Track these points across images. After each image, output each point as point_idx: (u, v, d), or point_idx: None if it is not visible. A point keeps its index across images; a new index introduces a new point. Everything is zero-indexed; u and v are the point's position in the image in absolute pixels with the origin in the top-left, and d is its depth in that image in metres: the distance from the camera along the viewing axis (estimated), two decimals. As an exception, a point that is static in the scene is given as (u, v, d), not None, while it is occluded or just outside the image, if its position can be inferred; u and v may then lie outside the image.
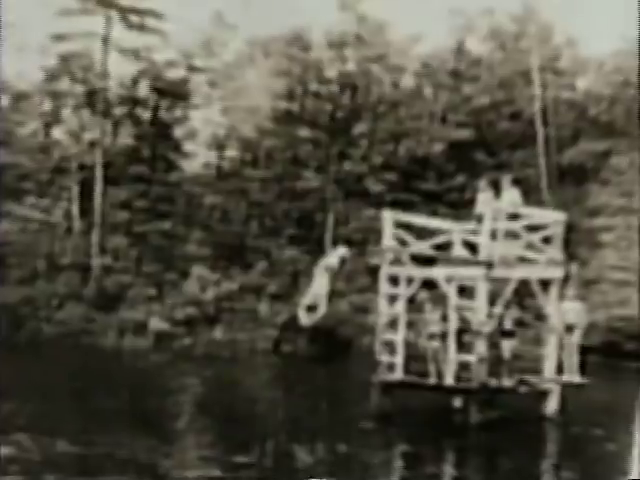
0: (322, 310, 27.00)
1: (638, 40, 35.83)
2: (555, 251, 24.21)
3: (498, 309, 23.60)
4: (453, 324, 23.46)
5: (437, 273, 23.65)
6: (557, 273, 24.23)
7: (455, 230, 24.61)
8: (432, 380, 23.56)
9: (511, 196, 25.06)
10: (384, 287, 24.38)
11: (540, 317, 24.78)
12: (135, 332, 40.54)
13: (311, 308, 27.27)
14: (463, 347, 23.47)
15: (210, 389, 30.39)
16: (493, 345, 23.80)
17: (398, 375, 23.98)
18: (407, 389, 23.83)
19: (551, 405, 24.19)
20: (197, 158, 49.59)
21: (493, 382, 23.54)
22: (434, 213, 37.03)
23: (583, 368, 24.49)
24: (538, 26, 48.50)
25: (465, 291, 23.65)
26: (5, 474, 16.85)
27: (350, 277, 41.15)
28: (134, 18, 45.25)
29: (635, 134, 41.24)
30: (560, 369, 24.32)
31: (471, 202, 26.81)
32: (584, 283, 33.35)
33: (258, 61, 49.14)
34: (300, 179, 46.81)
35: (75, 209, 45.45)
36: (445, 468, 19.78)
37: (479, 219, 24.17)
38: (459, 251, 24.33)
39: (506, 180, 25.55)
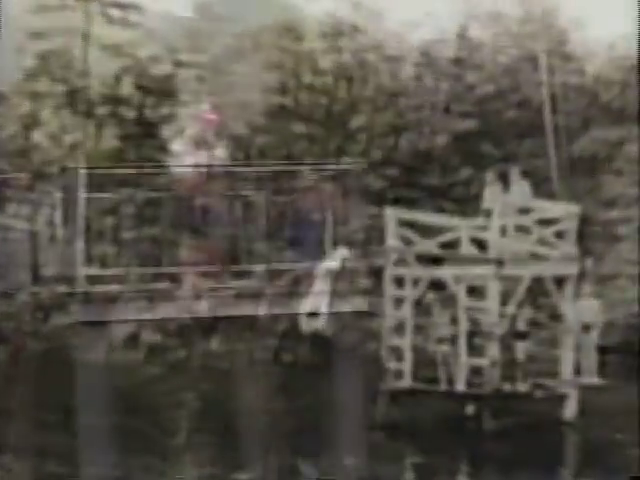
0: (324, 316, 26.98)
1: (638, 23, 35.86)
2: (569, 246, 24.23)
3: (510, 309, 23.61)
4: (463, 326, 23.49)
5: (445, 273, 23.69)
6: (572, 269, 24.24)
7: (462, 227, 24.63)
8: (442, 386, 23.58)
9: (520, 189, 25.07)
10: (389, 289, 24.39)
11: (555, 317, 24.78)
12: (125, 345, 40.47)
13: (312, 314, 27.24)
14: (474, 351, 23.49)
15: (207, 403, 30.33)
16: (506, 348, 23.82)
17: (406, 382, 24.01)
18: (416, 397, 23.83)
19: (569, 409, 24.18)
20: (186, 158, 49.50)
21: (507, 387, 23.57)
22: (439, 209, 36.99)
23: (602, 369, 24.49)
24: (543, 8, 48.49)
25: (475, 291, 23.68)
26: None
27: (352, 279, 41.07)
28: (115, 12, 45.26)
29: (649, 120, 41.30)
30: (578, 371, 24.33)
31: (478, 197, 26.87)
32: (600, 279, 33.30)
33: (248, 54, 49.12)
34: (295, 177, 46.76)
35: (58, 216, 45.38)
36: (459, 480, 19.80)
37: (487, 214, 24.23)
38: (467, 249, 24.35)
39: (514, 172, 25.61)
